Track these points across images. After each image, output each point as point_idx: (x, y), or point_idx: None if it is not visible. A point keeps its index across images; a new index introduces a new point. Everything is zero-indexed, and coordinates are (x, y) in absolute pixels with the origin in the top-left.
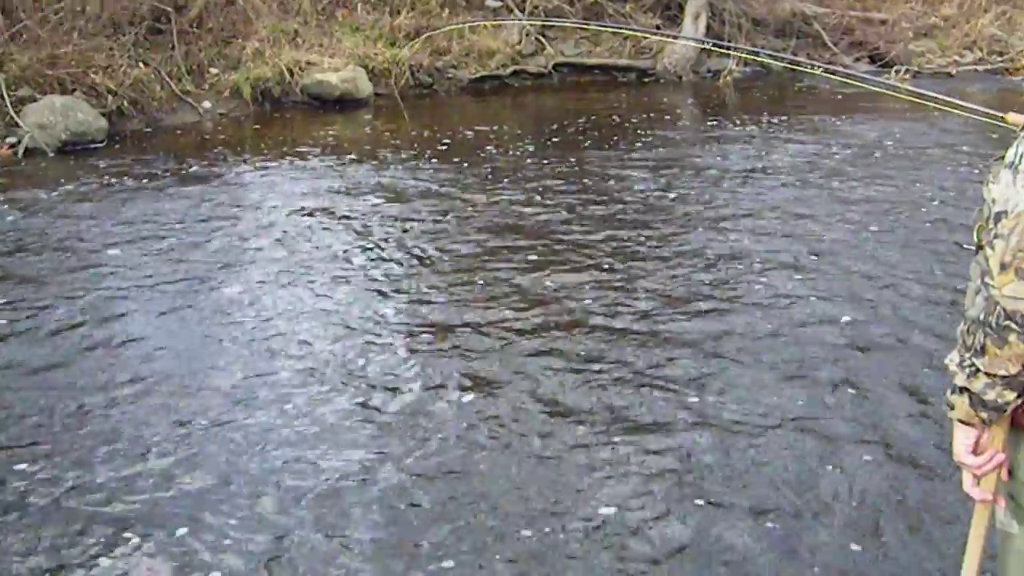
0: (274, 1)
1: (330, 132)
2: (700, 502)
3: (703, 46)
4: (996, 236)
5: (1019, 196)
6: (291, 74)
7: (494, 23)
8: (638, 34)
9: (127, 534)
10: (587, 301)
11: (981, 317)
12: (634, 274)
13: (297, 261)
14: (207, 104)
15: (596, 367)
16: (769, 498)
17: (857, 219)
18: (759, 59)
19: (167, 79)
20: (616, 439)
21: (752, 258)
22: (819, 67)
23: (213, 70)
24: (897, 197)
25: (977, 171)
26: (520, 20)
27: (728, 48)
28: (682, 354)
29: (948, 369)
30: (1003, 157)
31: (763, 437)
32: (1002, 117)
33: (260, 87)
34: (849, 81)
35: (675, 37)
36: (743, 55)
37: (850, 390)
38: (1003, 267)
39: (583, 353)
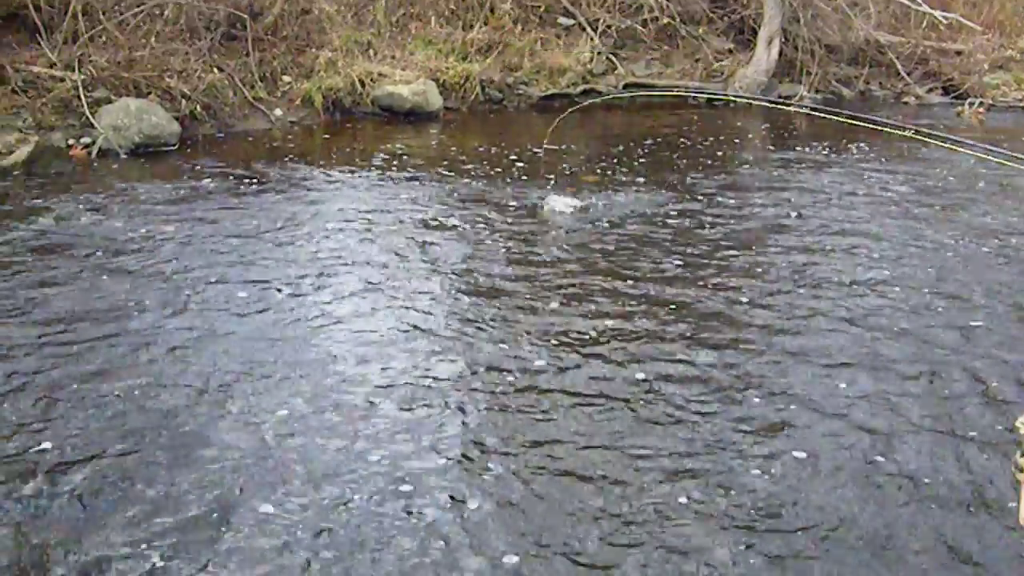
0: (349, 12)
1: (399, 144)
2: None
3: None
4: None
5: None
6: (362, 85)
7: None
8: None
9: None
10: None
11: None
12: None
13: (362, 275)
14: (278, 112)
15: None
16: None
17: (918, 268)
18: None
19: (240, 85)
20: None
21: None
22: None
23: (286, 78)
24: (958, 240)
25: None
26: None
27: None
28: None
29: (1019, 432)
30: None
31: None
32: None
33: (331, 97)
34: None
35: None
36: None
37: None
38: None
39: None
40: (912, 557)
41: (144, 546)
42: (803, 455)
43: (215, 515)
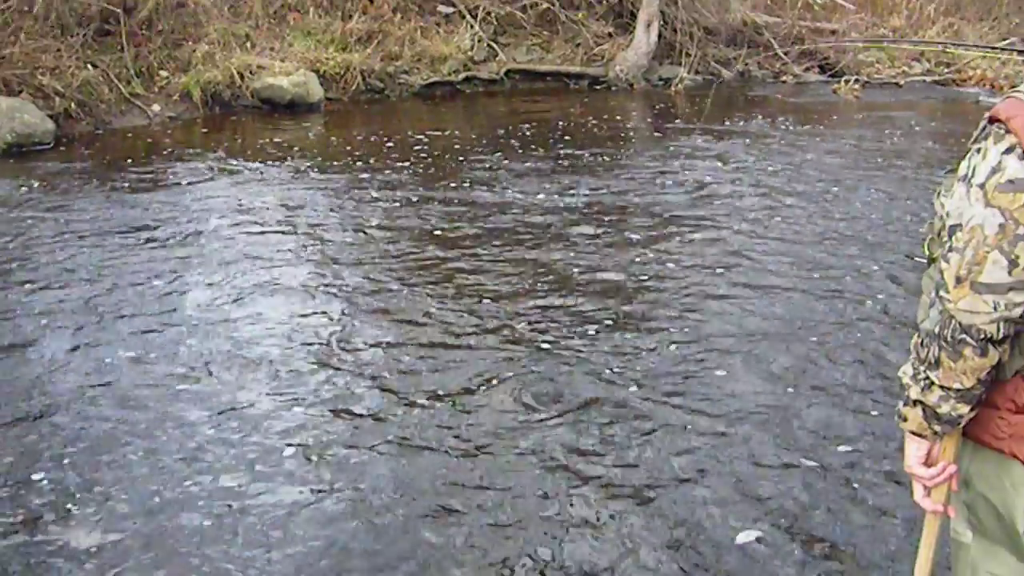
0: (225, 4)
1: (280, 136)
2: None
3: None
4: (951, 250)
5: (973, 209)
6: (241, 78)
7: None
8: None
9: None
10: (532, 309)
11: (936, 330)
12: (579, 274)
13: (239, 268)
14: (156, 107)
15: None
16: None
17: (808, 225)
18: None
19: (116, 81)
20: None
21: (696, 266)
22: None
23: (163, 73)
24: (843, 211)
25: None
26: None
27: None
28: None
29: (902, 381)
30: (955, 169)
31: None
32: None
33: (210, 90)
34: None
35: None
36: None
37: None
38: (958, 281)
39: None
40: None
41: None
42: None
43: None
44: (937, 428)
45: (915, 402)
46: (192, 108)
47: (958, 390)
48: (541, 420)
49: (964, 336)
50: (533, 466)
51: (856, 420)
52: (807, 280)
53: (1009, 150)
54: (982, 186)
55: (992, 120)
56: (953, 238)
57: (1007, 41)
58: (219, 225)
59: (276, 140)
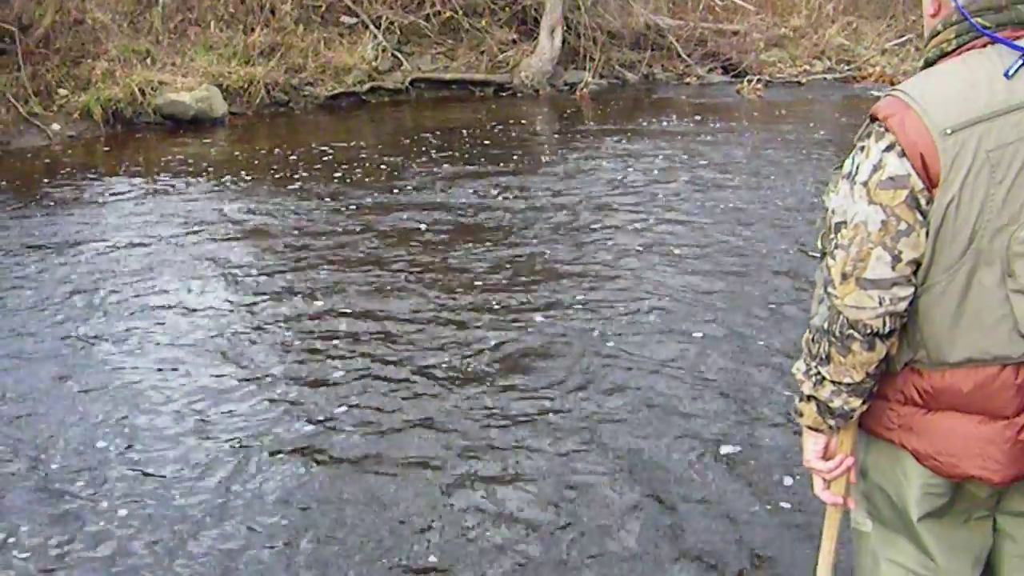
0: (124, 20)
1: (184, 152)
2: None
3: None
4: (837, 246)
5: (856, 207)
6: (143, 94)
7: None
8: None
9: None
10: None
11: (825, 326)
12: (488, 279)
13: (142, 287)
14: (56, 126)
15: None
16: None
17: (709, 224)
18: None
19: (13, 101)
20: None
21: (602, 265)
22: None
23: (62, 91)
24: (745, 203)
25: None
26: None
27: None
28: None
29: (795, 377)
30: (842, 167)
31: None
32: None
33: (111, 108)
34: None
35: None
36: None
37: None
38: (844, 277)
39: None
40: None
41: None
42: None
43: None
44: (831, 422)
45: (808, 397)
46: (93, 126)
47: (848, 384)
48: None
49: (852, 331)
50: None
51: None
52: (715, 262)
53: (889, 148)
54: (865, 183)
55: (873, 118)
56: (838, 235)
57: (903, 38)
58: (121, 243)
59: (180, 156)
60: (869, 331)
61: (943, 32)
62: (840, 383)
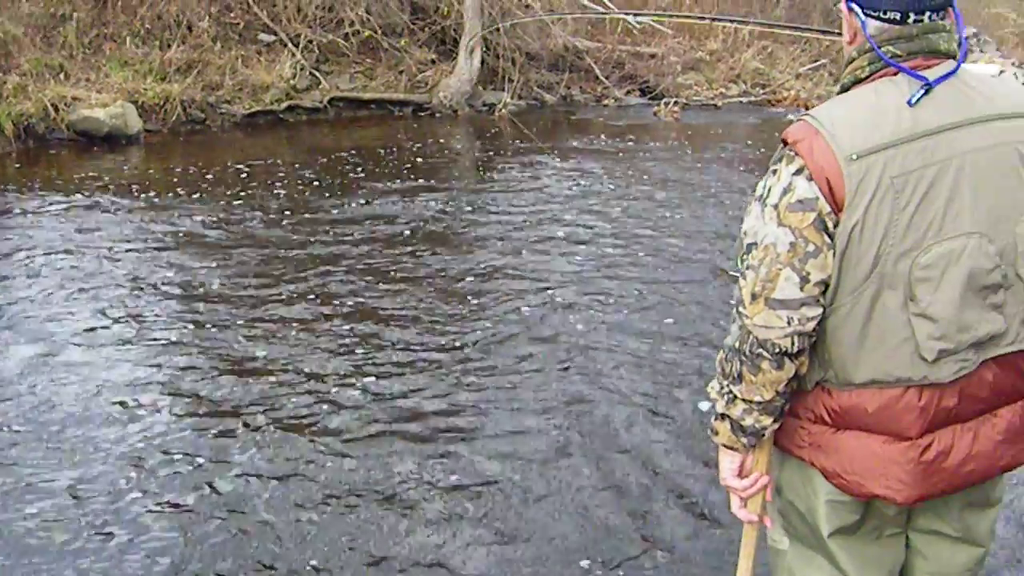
0: (37, 34)
1: (97, 170)
2: None
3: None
4: (748, 267)
5: (767, 228)
6: (56, 110)
7: None
8: None
9: None
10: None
11: (736, 345)
12: (393, 301)
13: (54, 311)
14: None
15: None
16: None
17: (624, 246)
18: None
19: None
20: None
21: (517, 285)
22: None
23: None
24: (662, 223)
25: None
26: None
27: None
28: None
29: (710, 396)
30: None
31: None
32: None
33: (23, 124)
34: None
35: None
36: None
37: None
38: (754, 297)
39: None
40: None
41: None
42: None
43: None
44: (744, 440)
45: (722, 416)
46: (4, 142)
47: (759, 402)
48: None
49: (761, 350)
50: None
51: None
52: (630, 280)
53: (798, 171)
54: (775, 206)
55: (784, 142)
56: (749, 256)
57: (817, 63)
58: (32, 259)
59: (93, 174)
60: (778, 350)
61: (857, 59)
62: (751, 401)
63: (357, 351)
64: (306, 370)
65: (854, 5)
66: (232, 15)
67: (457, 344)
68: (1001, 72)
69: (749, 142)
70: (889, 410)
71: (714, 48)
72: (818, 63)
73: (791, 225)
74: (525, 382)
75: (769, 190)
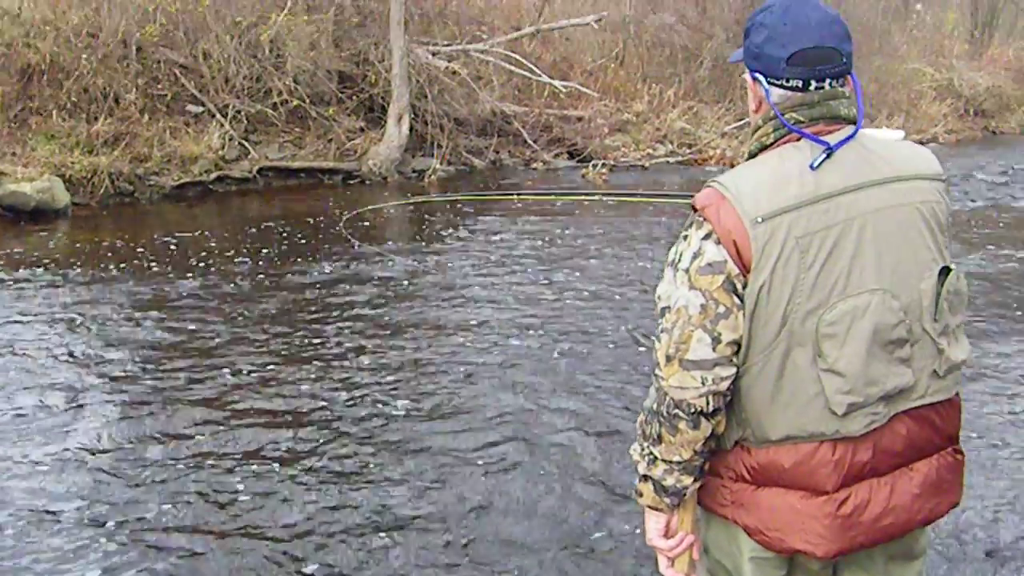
0: None
1: (22, 245)
2: None
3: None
4: (662, 330)
5: (679, 292)
6: None
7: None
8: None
9: None
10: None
11: (654, 407)
12: (325, 373)
13: None
14: None
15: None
16: None
17: (547, 315)
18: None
19: None
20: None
21: (448, 358)
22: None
23: None
24: (589, 284)
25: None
26: None
27: None
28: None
29: (632, 458)
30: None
31: None
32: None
33: None
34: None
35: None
36: None
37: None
38: (668, 359)
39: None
40: None
41: None
42: None
43: None
44: (668, 500)
45: (644, 477)
46: None
47: (679, 462)
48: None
49: (677, 411)
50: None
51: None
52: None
53: (707, 236)
54: (686, 270)
55: (694, 208)
56: (663, 319)
57: (742, 121)
58: None
59: (18, 249)
60: (694, 410)
61: (763, 127)
62: (671, 462)
63: (280, 424)
64: (235, 444)
65: (758, 75)
66: (160, 86)
67: (385, 412)
68: (905, 137)
69: (676, 201)
70: (805, 465)
71: (640, 110)
72: (743, 121)
73: (702, 288)
74: (459, 454)
75: (680, 255)
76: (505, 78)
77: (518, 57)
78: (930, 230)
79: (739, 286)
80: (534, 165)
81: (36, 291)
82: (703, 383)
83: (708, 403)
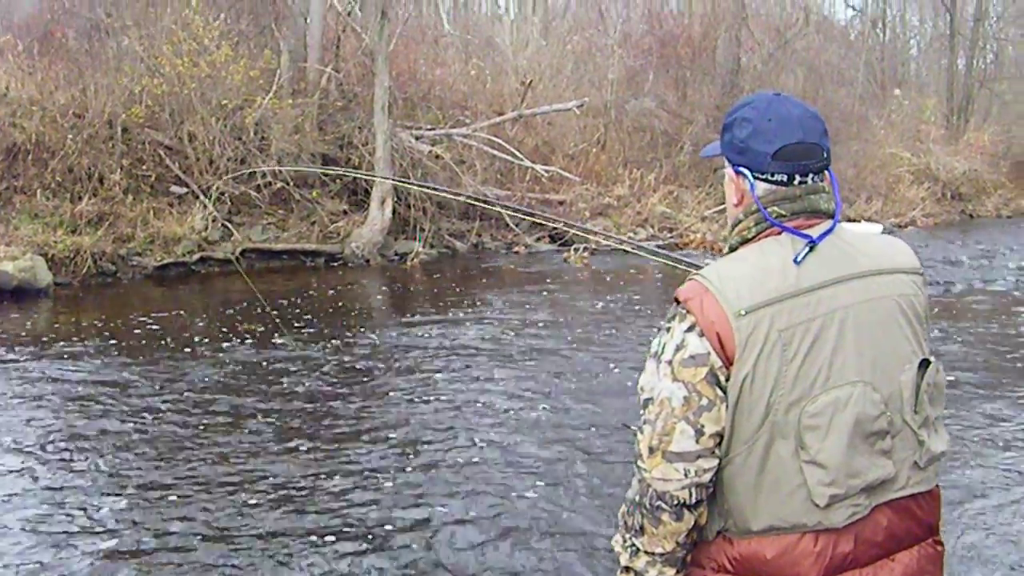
0: None
1: (5, 325)
2: None
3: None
4: (645, 421)
5: (661, 384)
6: None
7: None
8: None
9: None
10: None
11: (637, 498)
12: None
13: None
14: None
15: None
16: None
17: (536, 395)
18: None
19: None
20: None
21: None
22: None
23: None
24: (570, 371)
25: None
26: None
27: None
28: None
29: (614, 550)
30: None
31: None
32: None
33: None
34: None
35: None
36: None
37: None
38: (651, 451)
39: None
40: None
41: None
42: None
43: None
44: None
45: (625, 568)
46: None
47: (661, 554)
48: None
49: (660, 503)
50: None
51: None
52: (540, 429)
53: (690, 328)
54: (669, 362)
55: (677, 300)
56: (646, 410)
57: (722, 206)
58: None
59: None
60: (676, 502)
61: (744, 220)
62: (653, 553)
63: (265, 506)
64: (220, 528)
65: (743, 169)
66: (144, 167)
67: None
68: (883, 231)
69: (658, 285)
70: (787, 556)
71: (621, 193)
72: (722, 206)
73: (685, 380)
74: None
75: (663, 347)
76: (488, 162)
77: (500, 141)
78: (909, 322)
79: (722, 378)
80: (516, 248)
81: (13, 371)
82: (686, 475)
83: (691, 495)
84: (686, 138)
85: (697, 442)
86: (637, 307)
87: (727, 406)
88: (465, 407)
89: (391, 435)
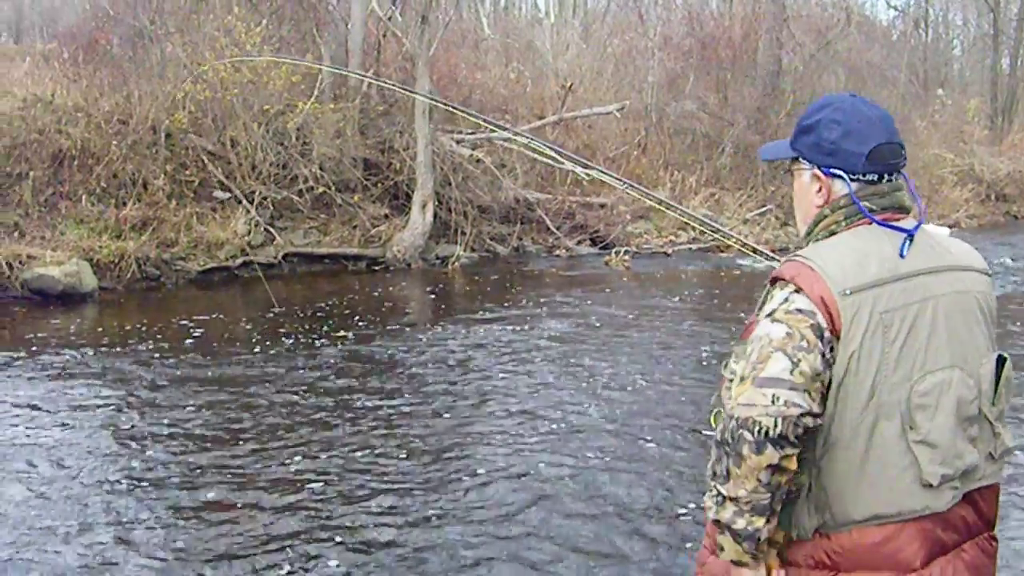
0: None
1: (48, 329)
2: None
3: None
4: (738, 359)
5: (762, 328)
6: (10, 268)
7: None
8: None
9: None
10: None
11: (719, 437)
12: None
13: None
14: None
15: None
16: None
17: (582, 392)
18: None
19: None
20: None
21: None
22: None
23: None
24: (616, 371)
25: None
26: None
27: None
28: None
29: (706, 506)
30: (741, 341)
31: None
32: None
33: None
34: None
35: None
36: None
37: None
38: (742, 379)
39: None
40: None
41: None
42: None
43: None
44: (745, 547)
45: (717, 523)
46: None
47: (746, 499)
48: None
49: (742, 431)
50: None
51: None
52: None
53: (797, 291)
54: (771, 313)
55: (775, 280)
56: (744, 352)
57: (764, 208)
58: None
59: (43, 333)
60: (759, 429)
61: (831, 215)
62: (738, 499)
63: (322, 511)
64: (276, 525)
65: (836, 170)
66: (187, 173)
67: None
68: (950, 233)
69: (700, 290)
70: (893, 542)
71: (662, 196)
72: (765, 208)
73: (788, 322)
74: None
75: (766, 306)
76: (528, 166)
77: (541, 142)
78: (984, 319)
79: (826, 340)
80: (557, 252)
81: (60, 375)
82: (773, 401)
83: (776, 425)
84: (727, 140)
85: (791, 373)
86: (680, 310)
87: (831, 379)
88: (520, 415)
89: (424, 443)
